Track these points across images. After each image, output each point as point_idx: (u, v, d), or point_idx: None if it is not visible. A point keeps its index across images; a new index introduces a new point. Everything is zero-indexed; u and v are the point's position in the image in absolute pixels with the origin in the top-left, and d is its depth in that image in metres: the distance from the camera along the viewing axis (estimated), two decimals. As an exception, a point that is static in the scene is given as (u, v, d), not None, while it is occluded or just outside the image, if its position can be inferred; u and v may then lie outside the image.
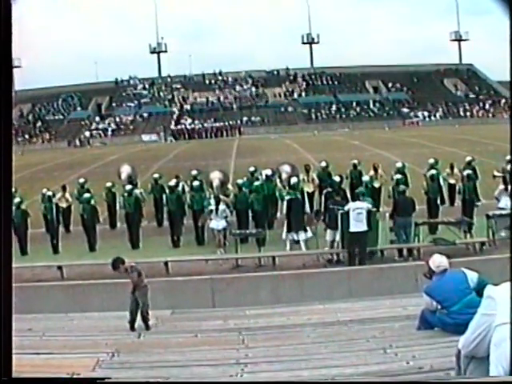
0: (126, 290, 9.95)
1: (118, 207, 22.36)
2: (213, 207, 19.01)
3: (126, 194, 21.07)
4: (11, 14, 4.36)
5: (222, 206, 18.95)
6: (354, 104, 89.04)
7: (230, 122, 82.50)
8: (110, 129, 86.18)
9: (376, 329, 9.01)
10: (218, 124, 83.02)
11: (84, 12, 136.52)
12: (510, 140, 4.61)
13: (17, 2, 4.56)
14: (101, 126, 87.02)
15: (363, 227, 16.32)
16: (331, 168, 23.74)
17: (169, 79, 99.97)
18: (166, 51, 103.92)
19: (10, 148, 4.41)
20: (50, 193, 21.74)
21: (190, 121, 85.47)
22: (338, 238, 17.10)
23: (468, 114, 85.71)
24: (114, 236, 21.63)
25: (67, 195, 22.77)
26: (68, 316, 11.40)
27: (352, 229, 16.32)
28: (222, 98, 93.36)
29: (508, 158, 20.84)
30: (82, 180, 24.31)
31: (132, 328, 9.90)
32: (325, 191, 19.37)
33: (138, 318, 9.95)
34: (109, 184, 23.29)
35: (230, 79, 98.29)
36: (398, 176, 20.49)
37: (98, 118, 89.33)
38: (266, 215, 20.49)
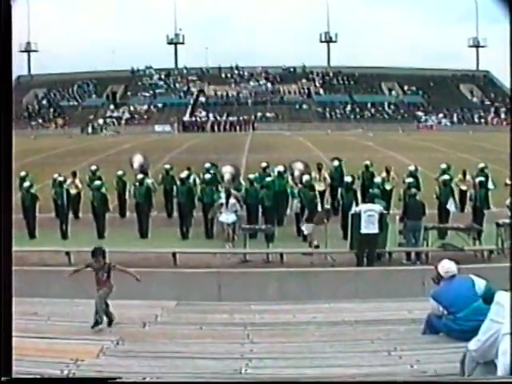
0: (133, 278, 9.90)
1: (127, 196, 22.40)
2: (223, 201, 19.00)
3: (137, 184, 21.10)
4: (11, 14, 4.38)
5: (232, 200, 18.92)
6: (369, 105, 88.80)
7: (244, 117, 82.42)
8: (124, 117, 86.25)
9: (381, 331, 8.98)
10: (231, 118, 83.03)
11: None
12: (510, 147, 4.60)
13: (16, 2, 4.58)
14: (115, 115, 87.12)
15: (374, 229, 16.28)
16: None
17: (185, 71, 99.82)
18: (183, 43, 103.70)
19: (10, 138, 4.43)
20: (61, 178, 21.72)
21: (204, 113, 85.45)
22: None
23: (482, 120, 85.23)
24: (123, 224, 21.67)
25: (77, 181, 22.75)
26: (74, 302, 11.40)
27: (363, 230, 16.29)
28: (236, 93, 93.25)
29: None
30: (93, 167, 24.27)
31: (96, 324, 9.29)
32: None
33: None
34: (120, 172, 23.29)
35: (246, 74, 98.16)
36: (410, 179, 20.42)
37: (112, 106, 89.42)
38: (276, 211, 20.50)
